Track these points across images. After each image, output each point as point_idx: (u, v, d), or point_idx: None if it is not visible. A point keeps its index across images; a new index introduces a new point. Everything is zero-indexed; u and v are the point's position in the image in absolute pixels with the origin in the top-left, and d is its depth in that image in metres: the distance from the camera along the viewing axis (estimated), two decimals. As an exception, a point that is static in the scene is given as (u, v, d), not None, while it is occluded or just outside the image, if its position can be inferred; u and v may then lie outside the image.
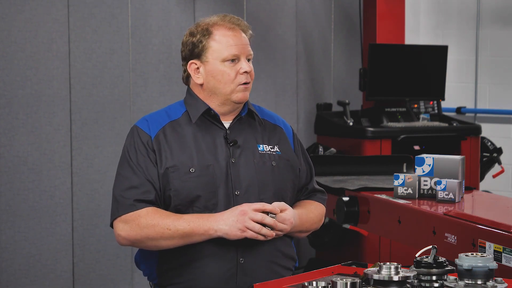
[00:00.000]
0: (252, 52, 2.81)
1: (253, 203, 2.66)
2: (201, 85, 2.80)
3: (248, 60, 2.79)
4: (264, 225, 2.64)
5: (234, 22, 2.78)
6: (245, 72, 2.76)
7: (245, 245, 2.71)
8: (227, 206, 2.71)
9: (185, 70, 2.83)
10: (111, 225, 2.76)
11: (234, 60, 2.76)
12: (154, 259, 2.78)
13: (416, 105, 6.03)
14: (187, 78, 2.85)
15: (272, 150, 2.84)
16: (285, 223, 2.69)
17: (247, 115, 2.86)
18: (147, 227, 2.67)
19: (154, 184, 2.71)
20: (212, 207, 2.71)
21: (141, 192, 2.70)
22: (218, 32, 2.76)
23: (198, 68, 2.80)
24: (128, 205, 2.70)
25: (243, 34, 2.79)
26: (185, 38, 2.81)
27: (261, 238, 2.64)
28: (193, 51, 2.78)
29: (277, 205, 2.69)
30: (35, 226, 4.75)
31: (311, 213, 2.88)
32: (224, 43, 2.75)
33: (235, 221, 2.62)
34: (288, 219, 2.70)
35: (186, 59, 2.82)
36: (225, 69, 2.75)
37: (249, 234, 2.62)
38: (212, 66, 2.77)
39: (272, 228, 2.65)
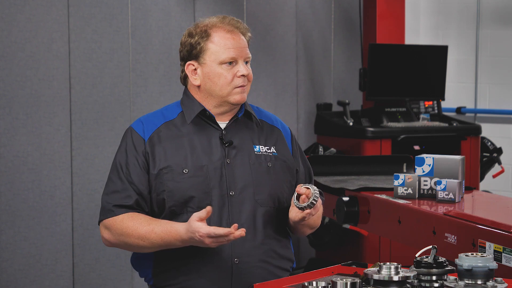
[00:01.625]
0: (250, 55, 2.80)
1: (205, 228, 2.56)
2: (198, 86, 2.80)
3: (246, 62, 2.79)
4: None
5: (233, 25, 2.77)
6: (242, 75, 2.76)
7: (240, 245, 2.71)
8: (221, 207, 2.71)
9: (183, 71, 2.83)
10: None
11: (232, 63, 2.75)
12: (150, 261, 2.79)
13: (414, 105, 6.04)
14: (184, 79, 2.85)
15: (269, 151, 2.84)
16: (314, 210, 2.68)
17: (244, 116, 2.86)
18: (123, 235, 2.71)
19: (137, 188, 2.73)
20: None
21: (123, 197, 2.73)
22: (216, 34, 2.75)
23: (195, 69, 2.79)
24: (107, 210, 2.74)
25: (242, 37, 2.78)
26: (184, 39, 2.81)
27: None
28: (191, 52, 2.78)
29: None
30: (35, 226, 4.75)
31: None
32: (222, 45, 2.74)
33: (202, 245, 2.60)
34: (317, 208, 2.71)
35: (184, 59, 2.82)
36: (222, 71, 2.75)
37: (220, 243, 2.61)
38: (209, 69, 2.76)
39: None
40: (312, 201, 2.63)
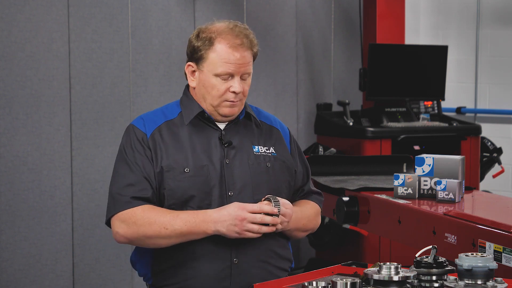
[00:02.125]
0: (250, 70, 2.76)
1: (249, 203, 2.66)
2: (194, 88, 2.81)
3: (245, 78, 2.76)
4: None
5: (240, 38, 2.72)
6: (234, 92, 2.73)
7: (239, 245, 2.72)
8: (220, 206, 2.71)
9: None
10: (107, 223, 2.77)
11: (228, 77, 2.74)
12: (149, 260, 2.79)
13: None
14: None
15: (268, 151, 2.84)
16: (286, 216, 2.70)
17: (244, 117, 2.86)
18: (144, 225, 2.67)
19: (150, 181, 2.72)
20: (206, 207, 2.71)
21: (138, 189, 2.71)
22: (219, 45, 2.72)
23: (194, 71, 2.80)
24: (124, 202, 2.70)
25: (246, 52, 2.73)
26: (192, 37, 2.79)
27: (259, 235, 2.65)
28: (193, 54, 2.78)
29: (282, 202, 2.69)
30: (35, 226, 4.75)
31: (307, 211, 2.88)
32: (221, 58, 2.71)
33: (233, 225, 2.63)
34: (289, 214, 2.71)
35: (188, 56, 2.82)
36: (216, 83, 2.74)
37: (247, 235, 2.64)
38: (205, 76, 2.76)
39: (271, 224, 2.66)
40: (276, 212, 2.65)
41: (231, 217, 2.63)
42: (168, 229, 2.66)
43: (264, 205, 2.65)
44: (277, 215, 2.66)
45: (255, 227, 2.62)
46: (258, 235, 2.65)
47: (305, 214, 2.86)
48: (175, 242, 2.69)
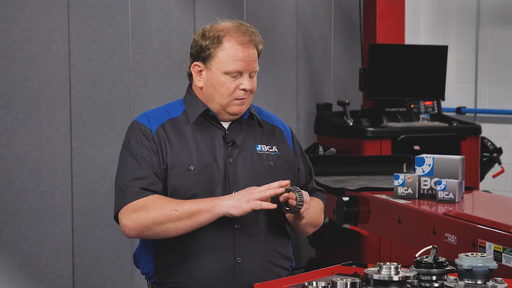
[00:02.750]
0: (257, 68, 2.78)
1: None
2: (201, 88, 2.81)
3: (252, 75, 2.77)
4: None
5: (248, 35, 2.74)
6: (244, 89, 2.74)
7: (242, 244, 2.72)
8: None
9: (190, 67, 2.84)
10: (115, 217, 2.74)
11: (237, 74, 2.75)
12: (152, 258, 2.79)
13: (412, 105, 6.03)
14: (190, 75, 2.85)
15: (271, 150, 2.84)
16: (307, 204, 2.70)
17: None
18: (154, 211, 2.65)
19: (159, 176, 2.71)
20: None
21: (148, 183, 2.70)
22: (228, 43, 2.72)
23: (201, 71, 2.79)
24: (134, 192, 2.68)
25: (253, 50, 2.75)
26: (197, 37, 2.79)
27: (265, 205, 2.62)
28: (200, 54, 2.77)
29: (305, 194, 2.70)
30: (35, 226, 4.75)
31: (315, 206, 2.89)
32: (230, 56, 2.72)
33: (241, 195, 2.64)
34: (309, 201, 2.72)
35: (192, 57, 2.81)
36: (225, 81, 2.74)
37: (254, 204, 2.62)
38: (213, 75, 2.76)
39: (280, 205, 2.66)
40: (299, 199, 2.65)
41: (240, 193, 2.65)
42: (178, 211, 2.64)
43: (271, 184, 2.66)
44: (301, 205, 2.65)
45: (262, 192, 2.62)
46: (265, 205, 2.62)
47: (314, 209, 2.86)
48: (185, 226, 2.66)
